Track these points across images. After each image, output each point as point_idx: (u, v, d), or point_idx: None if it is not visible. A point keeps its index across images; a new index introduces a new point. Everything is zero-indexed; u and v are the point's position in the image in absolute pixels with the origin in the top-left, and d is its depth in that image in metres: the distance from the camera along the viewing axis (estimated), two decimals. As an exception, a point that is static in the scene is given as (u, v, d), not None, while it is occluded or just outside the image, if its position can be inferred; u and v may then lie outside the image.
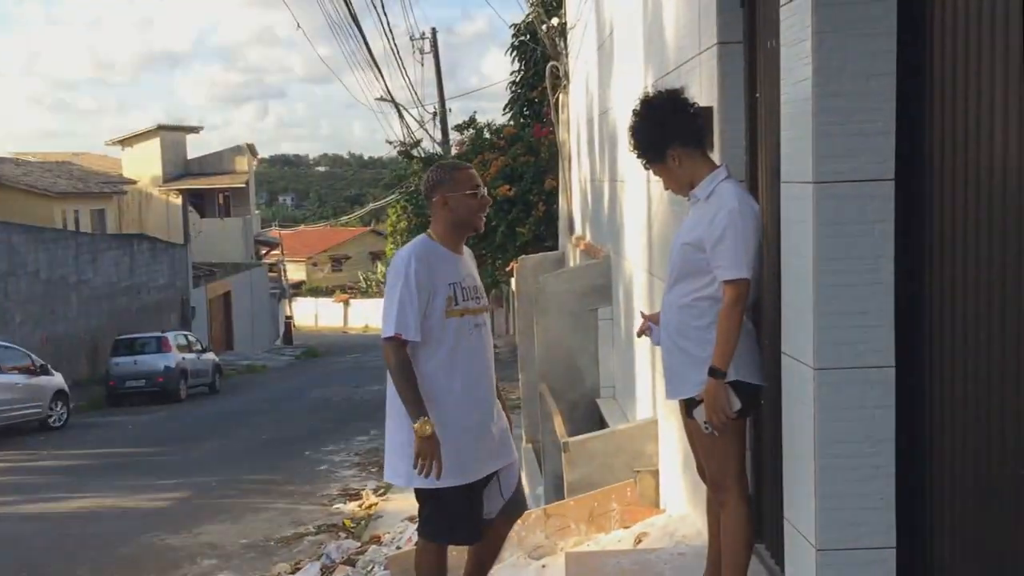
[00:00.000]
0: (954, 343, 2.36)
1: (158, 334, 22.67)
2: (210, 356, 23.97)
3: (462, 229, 3.62)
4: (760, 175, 3.66)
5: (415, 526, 7.97)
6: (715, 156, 3.52)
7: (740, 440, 3.15)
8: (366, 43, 35.15)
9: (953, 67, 2.32)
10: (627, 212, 6.77)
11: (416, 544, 3.78)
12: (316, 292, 52.94)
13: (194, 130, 40.21)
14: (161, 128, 37.03)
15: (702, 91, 3.99)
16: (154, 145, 36.10)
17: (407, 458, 3.44)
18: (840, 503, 2.57)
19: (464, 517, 3.61)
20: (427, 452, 3.35)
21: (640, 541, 4.84)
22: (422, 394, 3.41)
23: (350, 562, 7.37)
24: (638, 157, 3.26)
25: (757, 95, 3.66)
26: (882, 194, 2.50)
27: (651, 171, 3.30)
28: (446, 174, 3.61)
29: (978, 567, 2.29)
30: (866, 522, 2.57)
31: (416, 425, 3.36)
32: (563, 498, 5.94)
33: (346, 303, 50.38)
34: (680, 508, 4.95)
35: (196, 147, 39.41)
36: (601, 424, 7.17)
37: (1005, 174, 2.10)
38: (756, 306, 3.15)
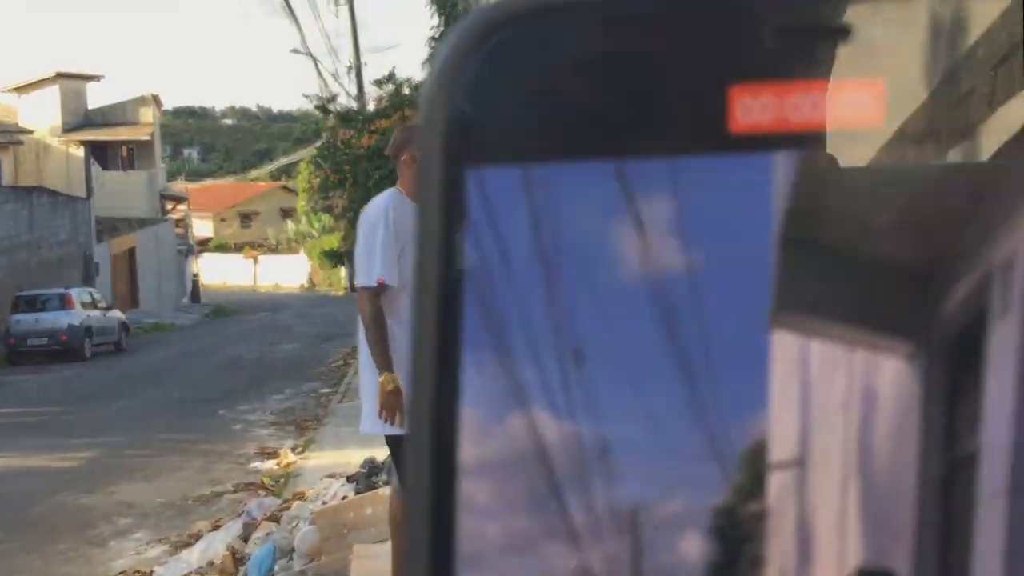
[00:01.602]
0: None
1: (61, 290, 21.98)
2: (116, 314, 23.36)
3: None
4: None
5: (339, 483, 8.02)
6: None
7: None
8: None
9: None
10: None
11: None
12: (224, 249, 51.85)
13: (95, 78, 38.71)
14: (60, 76, 35.53)
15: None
16: (53, 93, 34.63)
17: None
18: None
19: None
20: (393, 404, 3.44)
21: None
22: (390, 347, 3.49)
23: (273, 519, 7.37)
24: None
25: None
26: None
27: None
28: (414, 134, 3.67)
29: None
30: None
31: (382, 378, 3.43)
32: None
33: (255, 260, 49.53)
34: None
35: (97, 96, 37.98)
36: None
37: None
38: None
